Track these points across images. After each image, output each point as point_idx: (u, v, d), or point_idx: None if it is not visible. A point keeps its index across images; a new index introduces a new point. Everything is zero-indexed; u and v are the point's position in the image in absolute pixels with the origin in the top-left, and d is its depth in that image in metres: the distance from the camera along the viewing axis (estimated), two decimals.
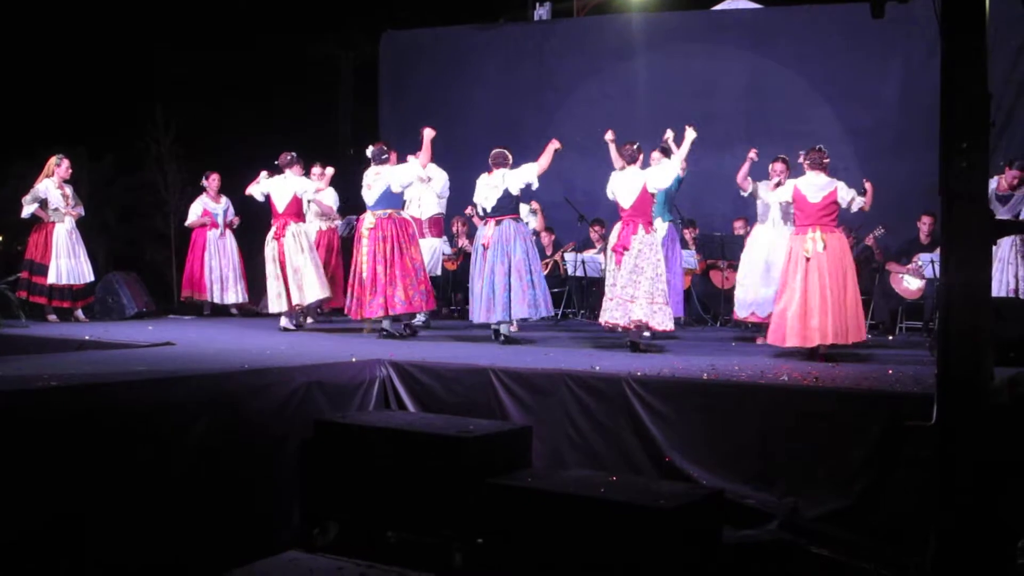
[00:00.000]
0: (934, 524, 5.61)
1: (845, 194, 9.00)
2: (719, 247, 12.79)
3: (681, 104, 14.06)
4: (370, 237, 10.30)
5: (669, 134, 10.34)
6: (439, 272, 12.76)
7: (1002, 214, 10.11)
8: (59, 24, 14.26)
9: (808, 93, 13.93)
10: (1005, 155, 10.65)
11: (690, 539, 6.03)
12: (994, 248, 6.12)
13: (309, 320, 11.81)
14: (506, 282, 9.82)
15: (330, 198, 12.82)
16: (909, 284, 12.17)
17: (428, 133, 10.61)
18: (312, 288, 11.28)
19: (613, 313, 9.33)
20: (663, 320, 9.26)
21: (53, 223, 11.93)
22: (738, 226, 13.07)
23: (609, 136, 10.16)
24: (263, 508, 6.97)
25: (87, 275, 12.13)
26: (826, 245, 8.80)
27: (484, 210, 10.22)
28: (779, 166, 10.19)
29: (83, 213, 12.21)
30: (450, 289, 14.48)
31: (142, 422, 6.29)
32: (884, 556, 6.32)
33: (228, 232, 13.34)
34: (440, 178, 11.95)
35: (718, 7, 15.54)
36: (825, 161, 9.06)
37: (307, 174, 11.88)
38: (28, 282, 11.87)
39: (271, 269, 11.30)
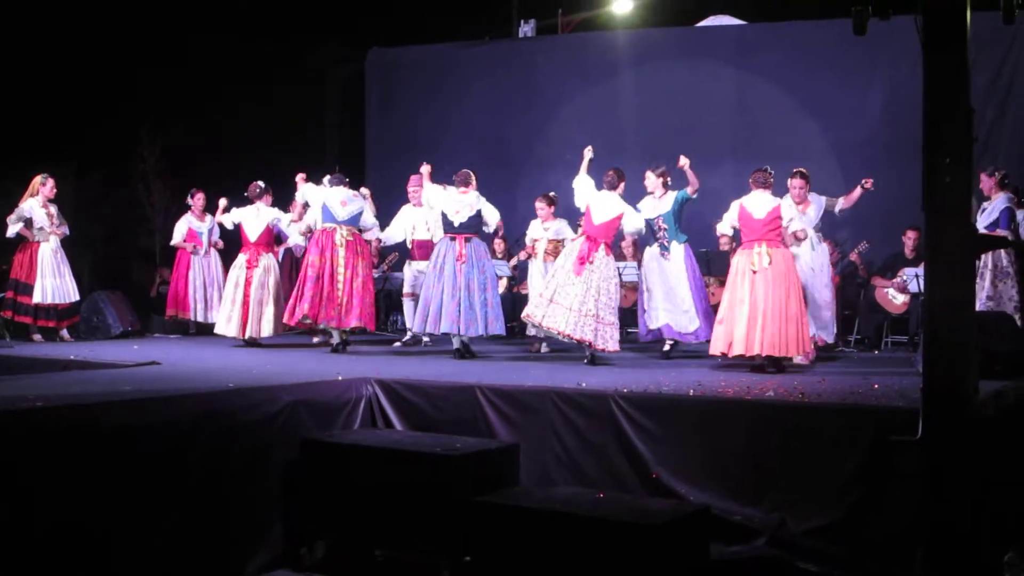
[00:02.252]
0: (921, 538, 5.63)
1: (787, 211, 9.41)
2: (705, 263, 12.78)
3: (666, 120, 14.12)
4: (348, 248, 10.59)
5: (685, 161, 10.33)
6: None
7: (980, 223, 10.18)
8: (44, 43, 14.24)
9: (793, 108, 13.96)
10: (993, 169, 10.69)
11: (678, 555, 6.03)
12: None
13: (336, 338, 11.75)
14: (482, 299, 10.03)
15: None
16: (894, 298, 12.20)
17: (426, 168, 10.86)
18: (268, 325, 11.55)
19: (562, 322, 9.46)
20: (610, 340, 9.53)
21: (38, 242, 11.87)
22: (723, 242, 13.07)
23: (589, 154, 10.21)
24: (248, 527, 6.93)
25: (72, 294, 12.07)
26: (771, 260, 9.13)
27: (450, 224, 10.35)
28: (798, 181, 10.22)
29: (68, 232, 12.15)
30: None
31: (127, 442, 6.25)
32: (872, 570, 6.33)
33: (213, 251, 13.32)
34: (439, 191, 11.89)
35: (702, 23, 15.59)
36: (770, 181, 9.49)
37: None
38: (13, 302, 11.80)
39: (230, 292, 11.62)
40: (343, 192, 10.86)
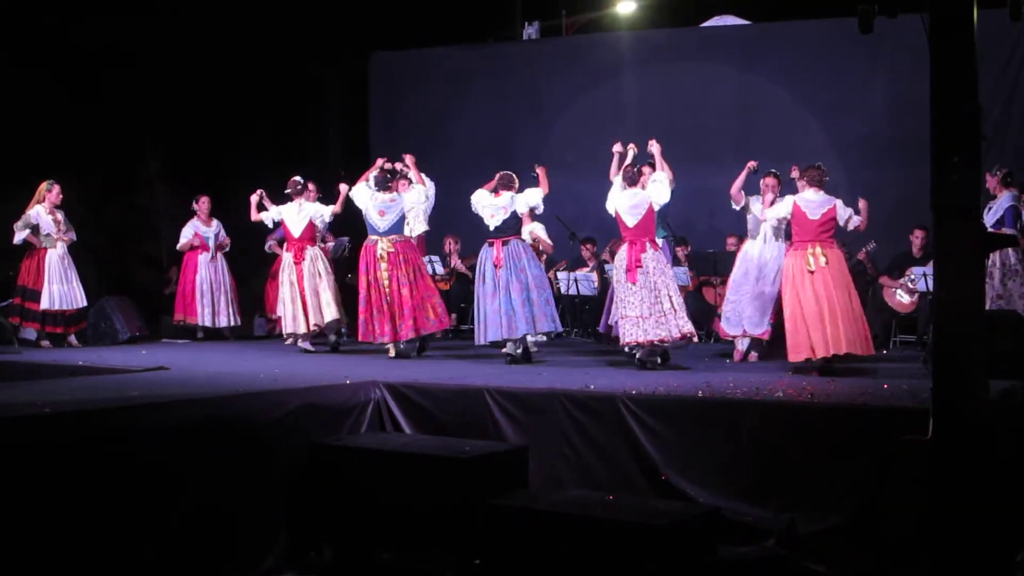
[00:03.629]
0: (931, 539, 5.61)
1: (843, 212, 9.16)
2: (711, 264, 12.78)
3: (670, 121, 14.09)
4: (390, 261, 10.45)
5: (656, 147, 10.25)
6: None
7: (986, 221, 10.16)
8: (49, 49, 14.25)
9: (797, 108, 13.96)
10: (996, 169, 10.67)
11: (687, 557, 6.02)
12: None
13: (332, 337, 11.68)
14: (524, 297, 9.92)
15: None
16: (902, 298, 12.18)
17: (410, 158, 10.95)
18: (329, 308, 11.38)
19: (633, 332, 9.31)
20: (684, 325, 9.33)
21: (45, 249, 11.89)
22: (731, 242, 13.05)
23: (617, 148, 10.14)
24: (256, 531, 6.94)
25: (80, 300, 12.08)
26: (827, 261, 8.95)
27: (487, 228, 10.29)
28: (770, 180, 10.15)
29: (75, 238, 12.16)
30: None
31: (136, 447, 6.27)
32: (882, 571, 6.31)
33: (219, 255, 13.32)
34: (431, 197, 11.92)
35: (706, 24, 15.58)
36: (825, 179, 9.23)
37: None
38: (21, 308, 11.81)
39: (287, 292, 11.45)
40: (382, 200, 10.74)
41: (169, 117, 15.30)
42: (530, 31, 16.46)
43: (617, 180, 9.81)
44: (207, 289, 13.13)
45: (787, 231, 9.88)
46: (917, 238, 12.13)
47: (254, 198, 11.90)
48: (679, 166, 10.44)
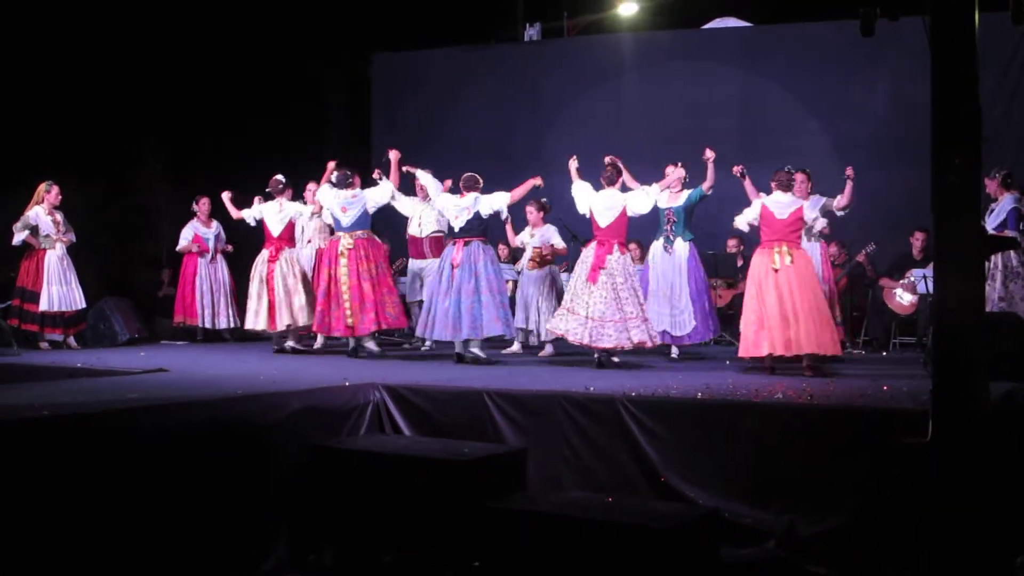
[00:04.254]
0: (931, 541, 5.60)
1: (810, 213, 9.48)
2: (713, 266, 12.74)
3: (672, 123, 14.09)
4: (351, 257, 10.58)
5: (710, 154, 10.30)
6: None
7: (987, 224, 10.16)
8: (49, 50, 14.24)
9: (799, 110, 13.96)
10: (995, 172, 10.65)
11: (687, 559, 6.01)
12: None
13: (289, 343, 11.76)
14: (473, 300, 9.99)
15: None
16: (902, 299, 12.17)
17: (395, 155, 10.99)
18: (302, 313, 11.47)
19: (580, 332, 9.44)
20: (641, 335, 9.45)
21: (44, 250, 11.86)
22: (731, 245, 13.06)
23: (574, 163, 10.19)
24: (256, 533, 6.92)
25: (79, 302, 12.05)
26: (793, 260, 9.10)
27: (451, 229, 10.48)
28: (800, 176, 10.15)
29: (74, 239, 12.13)
30: None
31: (135, 450, 6.26)
32: (882, 573, 6.30)
33: (219, 257, 13.32)
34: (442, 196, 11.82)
35: (708, 26, 15.56)
36: (791, 182, 9.53)
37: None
38: (20, 310, 11.78)
39: (255, 288, 11.59)
40: (343, 197, 10.90)
41: (171, 117, 15.30)
42: (531, 32, 16.44)
43: (580, 185, 9.97)
44: (207, 290, 13.14)
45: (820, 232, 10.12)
46: (918, 240, 12.12)
47: (226, 196, 12.23)
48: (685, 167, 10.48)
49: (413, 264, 12.12)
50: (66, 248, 12.03)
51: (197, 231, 13.31)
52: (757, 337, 9.07)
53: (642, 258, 13.34)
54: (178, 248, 13.45)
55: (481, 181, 10.45)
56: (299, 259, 11.77)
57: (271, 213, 11.69)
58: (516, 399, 7.65)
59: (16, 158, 13.38)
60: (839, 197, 10.28)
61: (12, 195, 12.37)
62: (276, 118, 15.62)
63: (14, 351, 11.09)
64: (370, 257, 10.67)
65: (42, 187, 11.97)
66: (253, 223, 11.95)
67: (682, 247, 10.59)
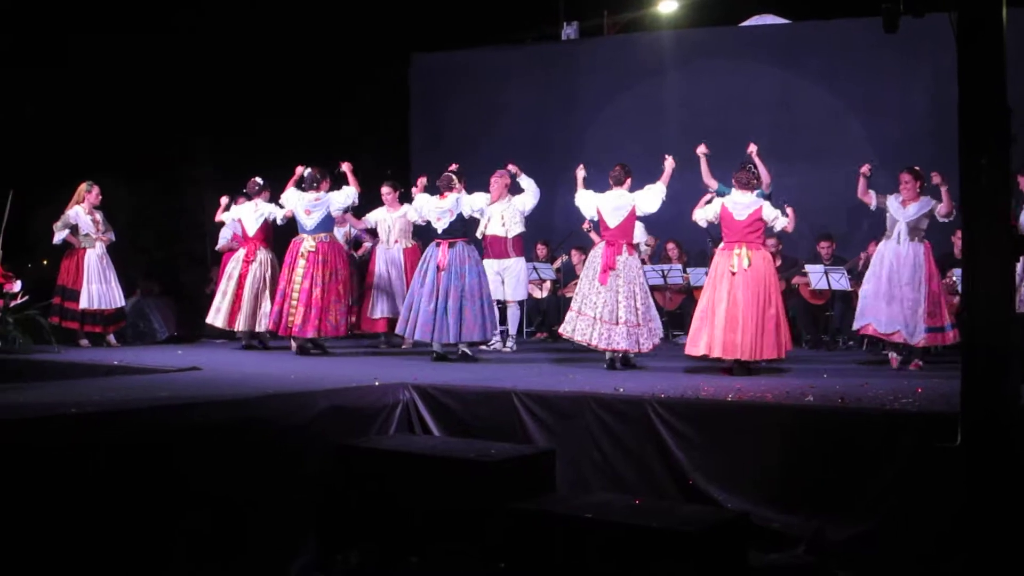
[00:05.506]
0: (963, 546, 5.52)
1: (769, 212, 9.34)
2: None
3: (710, 120, 13.98)
4: (309, 259, 10.73)
5: (753, 147, 10.28)
6: (524, 296, 12.57)
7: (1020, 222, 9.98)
8: (97, 50, 14.38)
9: (837, 108, 13.84)
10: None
11: (715, 563, 5.94)
12: None
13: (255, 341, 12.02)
14: (459, 305, 10.08)
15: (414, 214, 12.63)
16: None
17: (347, 166, 11.17)
18: (264, 319, 11.61)
19: (588, 333, 9.45)
20: (651, 339, 9.49)
21: (84, 249, 11.99)
22: (769, 244, 12.95)
23: (582, 172, 10.15)
24: (284, 532, 6.94)
25: (118, 300, 12.17)
26: (751, 262, 9.11)
27: (434, 231, 10.50)
28: (906, 176, 10.02)
29: (113, 239, 12.25)
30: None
31: (164, 448, 6.29)
32: None
33: None
34: (530, 195, 11.71)
35: (746, 23, 15.47)
36: (753, 182, 9.48)
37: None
38: (60, 307, 11.91)
39: (224, 284, 11.91)
40: (307, 199, 11.04)
41: (216, 117, 15.42)
42: (569, 31, 16.41)
43: (583, 193, 9.94)
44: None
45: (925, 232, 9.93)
46: (959, 239, 11.93)
47: (224, 200, 12.48)
48: (719, 165, 10.36)
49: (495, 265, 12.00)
50: (106, 247, 12.13)
51: (236, 231, 13.37)
52: (697, 335, 9.17)
53: (681, 258, 13.33)
54: (217, 247, 13.52)
55: (455, 182, 10.47)
56: (272, 263, 11.91)
57: (247, 214, 11.97)
58: (545, 400, 7.63)
59: (64, 157, 13.54)
60: (940, 205, 9.83)
61: (60, 195, 12.49)
62: (318, 119, 15.70)
63: (54, 348, 11.19)
64: (327, 262, 10.78)
65: (83, 187, 12.10)
66: (230, 222, 12.37)
67: None
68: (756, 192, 10.22)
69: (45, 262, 14.58)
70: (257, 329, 11.76)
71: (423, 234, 11.60)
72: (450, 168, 10.76)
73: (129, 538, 6.02)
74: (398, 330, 10.70)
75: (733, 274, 9.09)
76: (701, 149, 10.18)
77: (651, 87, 15.15)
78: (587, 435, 7.39)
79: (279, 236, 12.13)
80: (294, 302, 10.67)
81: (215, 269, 14.45)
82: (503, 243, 11.80)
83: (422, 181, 11.44)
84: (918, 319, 9.72)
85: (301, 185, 11.19)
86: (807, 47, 14.41)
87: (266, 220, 11.92)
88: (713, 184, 10.31)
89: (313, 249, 10.78)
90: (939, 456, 5.87)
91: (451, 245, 10.24)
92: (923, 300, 9.73)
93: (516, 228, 11.74)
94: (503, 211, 11.65)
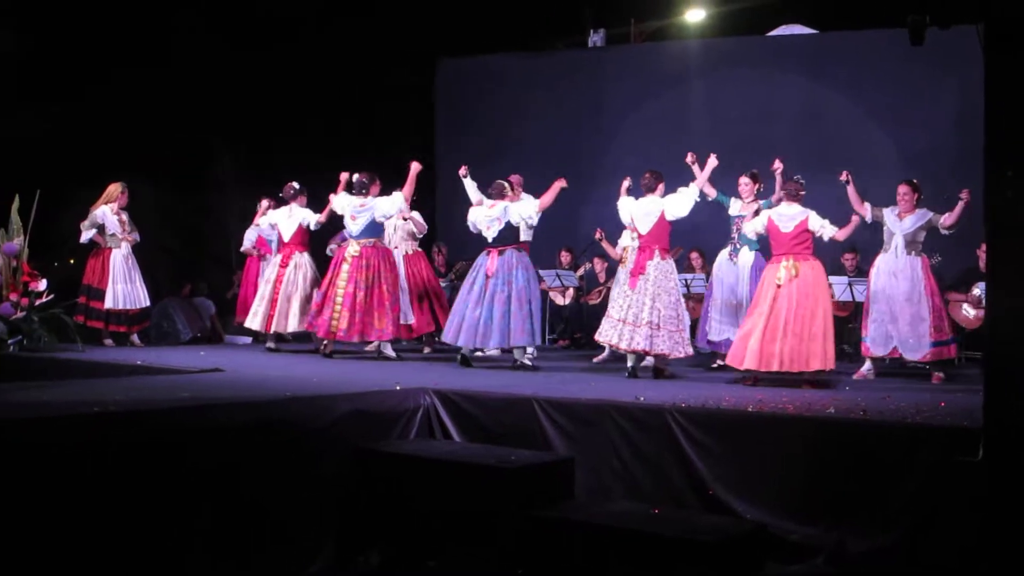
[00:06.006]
0: (985, 560, 5.48)
1: (816, 222, 9.26)
2: None
3: (736, 130, 13.98)
4: (353, 264, 10.77)
5: (779, 165, 10.38)
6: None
7: None
8: (122, 52, 14.46)
9: (864, 118, 13.80)
10: None
11: (732, 573, 5.93)
12: None
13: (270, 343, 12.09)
14: (505, 310, 10.04)
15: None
16: (968, 313, 11.94)
17: (415, 167, 11.07)
18: (295, 319, 11.74)
19: (612, 335, 9.53)
20: (680, 347, 9.50)
21: (110, 248, 12.06)
22: (847, 259, 12.93)
23: (627, 183, 10.20)
24: (303, 535, 6.95)
25: (143, 300, 12.23)
26: (798, 273, 9.06)
27: (486, 239, 10.47)
28: (903, 188, 10.04)
29: (139, 239, 12.31)
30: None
31: (183, 449, 6.31)
32: None
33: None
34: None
35: (774, 32, 15.45)
36: (801, 193, 9.42)
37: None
38: (85, 307, 11.98)
39: (263, 289, 12.00)
40: (354, 203, 11.13)
41: (241, 119, 15.48)
42: (595, 39, 16.43)
43: (624, 200, 10.03)
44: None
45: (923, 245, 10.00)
46: (984, 252, 11.86)
47: (264, 202, 12.61)
48: (743, 173, 10.42)
49: None
50: (131, 247, 12.18)
51: (261, 233, 13.42)
52: (737, 347, 9.19)
53: (704, 267, 13.30)
54: (241, 250, 13.58)
55: (508, 189, 10.44)
56: (308, 266, 12.01)
57: (283, 218, 12.06)
58: (565, 407, 7.62)
59: (89, 158, 13.61)
60: (947, 215, 9.85)
61: (85, 194, 12.56)
62: (343, 122, 15.75)
63: (78, 347, 11.25)
64: (371, 267, 10.79)
65: (115, 188, 12.17)
66: (268, 228, 12.40)
67: (747, 256, 10.51)
68: (762, 202, 10.28)
69: (72, 261, 14.67)
70: (288, 330, 11.83)
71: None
72: (508, 178, 10.72)
73: (148, 537, 6.03)
74: (443, 337, 10.68)
75: (779, 286, 9.06)
76: (689, 159, 10.14)
77: (677, 96, 15.15)
78: (607, 443, 7.37)
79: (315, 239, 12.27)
80: (338, 307, 10.70)
81: (239, 272, 14.52)
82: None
83: (344, 178, 11.52)
84: (920, 335, 9.75)
85: (351, 190, 11.22)
86: (834, 57, 14.39)
87: (300, 225, 11.99)
88: (712, 192, 10.33)
89: (357, 254, 10.83)
90: (961, 470, 5.83)
91: (500, 252, 10.24)
92: (928, 315, 9.76)
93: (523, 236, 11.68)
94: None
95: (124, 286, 12.06)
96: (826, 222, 9.31)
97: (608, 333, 9.56)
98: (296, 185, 12.12)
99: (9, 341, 10.86)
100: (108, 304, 11.96)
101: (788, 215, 9.31)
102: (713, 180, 10.24)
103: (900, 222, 9.92)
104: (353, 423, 7.38)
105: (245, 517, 6.57)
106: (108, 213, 12.06)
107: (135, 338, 12.24)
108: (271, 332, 11.87)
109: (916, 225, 9.89)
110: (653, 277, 9.47)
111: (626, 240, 11.55)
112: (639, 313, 9.40)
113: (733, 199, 10.56)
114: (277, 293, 11.81)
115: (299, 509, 6.94)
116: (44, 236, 12.13)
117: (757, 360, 8.96)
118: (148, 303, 12.37)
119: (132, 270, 12.18)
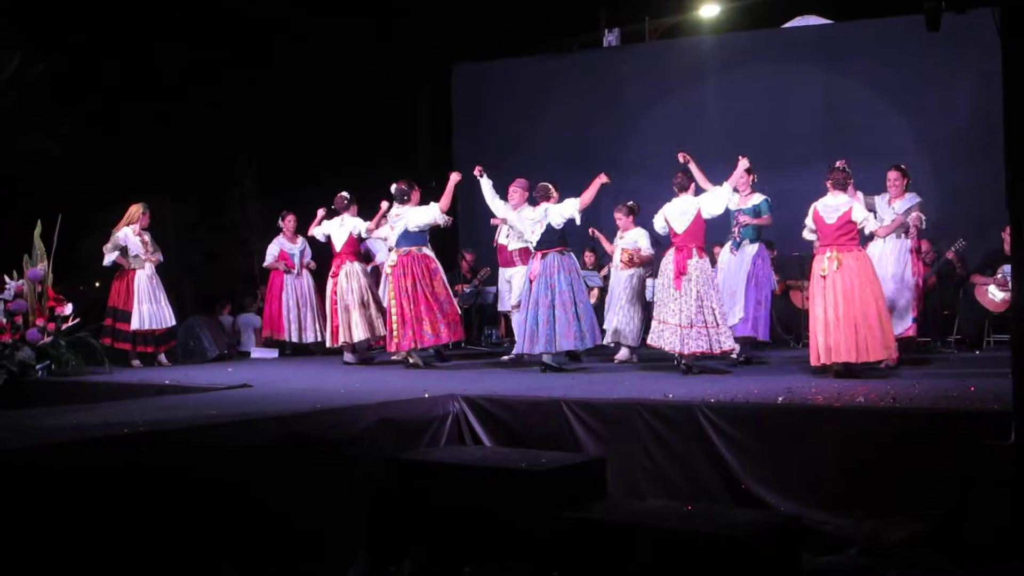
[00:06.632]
0: (1020, 545, 5.46)
1: (859, 214, 9.12)
2: (798, 267, 12.59)
3: (755, 124, 13.94)
4: (393, 274, 10.84)
5: (744, 163, 10.22)
6: None
7: None
8: (143, 72, 14.56)
9: (882, 107, 13.74)
10: None
11: (768, 567, 5.90)
12: None
13: (349, 355, 12.06)
14: (550, 314, 9.95)
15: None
16: (994, 296, 11.88)
17: (454, 177, 11.16)
18: (357, 328, 11.74)
19: (673, 340, 9.47)
20: (726, 341, 9.48)
21: (134, 270, 12.10)
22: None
23: (683, 157, 10.08)
24: (335, 545, 6.96)
25: (169, 319, 12.28)
26: (841, 264, 8.92)
27: (530, 244, 10.46)
28: (893, 174, 10.07)
29: (162, 259, 12.37)
30: None
31: (214, 466, 6.33)
32: None
33: (305, 272, 13.49)
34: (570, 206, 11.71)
35: (789, 24, 15.41)
36: (848, 181, 9.36)
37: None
38: (112, 328, 12.02)
39: (328, 305, 12.06)
40: (391, 214, 11.24)
41: (260, 135, 15.55)
42: (610, 38, 16.42)
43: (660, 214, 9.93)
44: (292, 305, 13.33)
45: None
46: (1009, 235, 11.81)
47: (321, 212, 12.53)
48: (762, 168, 10.38)
49: (504, 273, 12.11)
50: (155, 267, 12.24)
51: (283, 247, 13.49)
52: (811, 344, 9.10)
53: (713, 261, 13.29)
54: (265, 264, 13.64)
55: (554, 191, 10.43)
56: (359, 274, 11.98)
57: (334, 228, 12.11)
58: (594, 408, 7.61)
59: (109, 180, 13.69)
60: (875, 224, 9.60)
61: (107, 216, 12.62)
62: (362, 131, 15.80)
63: (106, 369, 11.30)
64: (407, 275, 10.78)
65: (137, 209, 12.20)
66: (323, 239, 12.38)
67: (750, 248, 10.55)
68: (763, 202, 10.24)
69: (97, 284, 14.74)
70: (352, 340, 11.84)
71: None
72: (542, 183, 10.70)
73: (180, 554, 6.05)
74: (516, 350, 10.56)
75: (823, 277, 8.96)
76: (681, 157, 10.08)
77: (693, 92, 15.14)
78: (637, 442, 7.36)
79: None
80: (393, 319, 10.78)
81: (263, 287, 14.58)
82: (507, 252, 11.86)
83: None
84: (901, 311, 9.93)
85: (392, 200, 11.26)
86: (850, 47, 14.34)
87: (351, 234, 12.04)
88: (709, 187, 10.29)
89: (395, 263, 10.88)
90: (993, 453, 5.80)
91: (543, 256, 10.20)
92: (909, 291, 9.98)
93: (515, 243, 11.68)
94: (511, 222, 11.63)
95: (149, 306, 12.11)
96: (870, 215, 9.25)
97: (670, 340, 9.46)
98: (347, 195, 12.16)
99: (37, 366, 10.90)
100: (134, 325, 12.01)
101: (832, 206, 9.17)
102: (709, 174, 10.18)
103: (890, 207, 9.99)
104: (383, 432, 7.40)
105: (276, 530, 6.59)
106: (130, 235, 12.10)
107: (162, 358, 12.30)
108: (339, 344, 11.92)
109: (905, 209, 9.99)
110: (695, 277, 9.44)
111: (622, 242, 11.61)
112: (692, 315, 9.37)
113: (733, 192, 10.44)
114: (336, 305, 11.86)
115: (330, 520, 6.94)
116: (67, 260, 12.19)
117: (824, 354, 8.85)
118: (174, 322, 12.42)
119: (157, 290, 12.22)
